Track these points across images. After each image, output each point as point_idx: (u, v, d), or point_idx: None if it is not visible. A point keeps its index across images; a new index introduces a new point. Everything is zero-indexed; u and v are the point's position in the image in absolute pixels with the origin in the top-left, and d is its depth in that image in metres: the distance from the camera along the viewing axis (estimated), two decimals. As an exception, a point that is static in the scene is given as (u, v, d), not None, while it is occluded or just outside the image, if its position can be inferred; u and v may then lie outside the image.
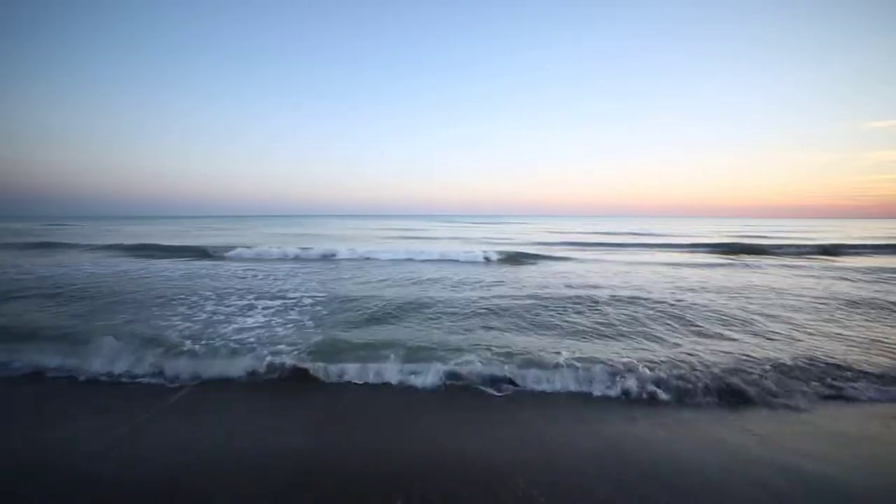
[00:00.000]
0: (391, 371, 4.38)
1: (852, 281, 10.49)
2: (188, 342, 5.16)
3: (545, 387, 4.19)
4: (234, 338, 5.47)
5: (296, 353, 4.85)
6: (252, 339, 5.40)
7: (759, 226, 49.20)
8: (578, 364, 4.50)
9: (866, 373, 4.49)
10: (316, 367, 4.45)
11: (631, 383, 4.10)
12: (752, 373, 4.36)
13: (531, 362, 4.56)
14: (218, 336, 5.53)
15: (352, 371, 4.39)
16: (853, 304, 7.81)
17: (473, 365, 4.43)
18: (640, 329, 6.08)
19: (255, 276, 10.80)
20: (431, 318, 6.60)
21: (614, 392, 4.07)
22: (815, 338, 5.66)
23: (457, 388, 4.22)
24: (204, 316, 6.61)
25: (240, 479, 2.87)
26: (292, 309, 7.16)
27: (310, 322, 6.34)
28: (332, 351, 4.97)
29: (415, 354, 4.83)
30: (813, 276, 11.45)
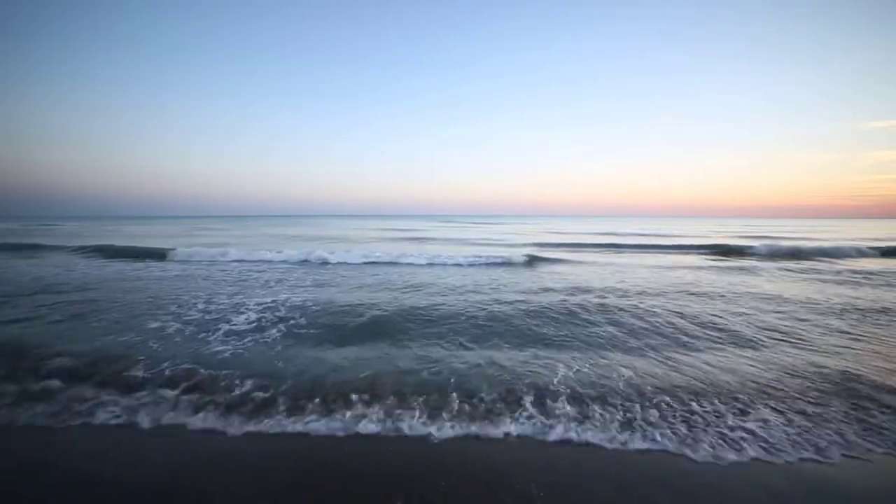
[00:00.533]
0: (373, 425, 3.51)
1: (866, 286, 10.47)
2: (143, 372, 4.40)
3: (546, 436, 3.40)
4: (202, 359, 4.81)
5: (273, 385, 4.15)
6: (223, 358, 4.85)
7: (761, 226, 48.91)
8: (585, 407, 3.77)
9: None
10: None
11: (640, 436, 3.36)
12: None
13: (530, 406, 3.77)
14: (183, 357, 4.84)
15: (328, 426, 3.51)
16: (868, 311, 7.77)
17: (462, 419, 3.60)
18: (656, 342, 5.63)
19: (245, 279, 10.77)
20: (423, 331, 5.98)
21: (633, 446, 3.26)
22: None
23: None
24: (174, 327, 6.00)
25: (240, 479, 2.87)
26: (278, 310, 7.12)
27: (291, 336, 5.71)
28: (309, 386, 4.14)
29: (400, 394, 3.96)
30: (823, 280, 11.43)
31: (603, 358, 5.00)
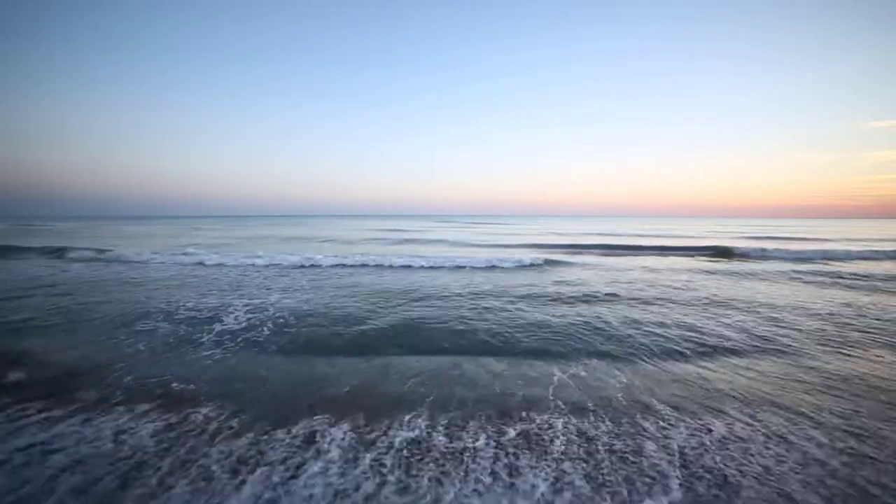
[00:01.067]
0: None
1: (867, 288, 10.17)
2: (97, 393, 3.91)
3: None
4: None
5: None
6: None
7: (762, 226, 48.45)
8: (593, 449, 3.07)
9: None
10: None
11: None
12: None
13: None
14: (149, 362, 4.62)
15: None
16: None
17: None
18: (675, 352, 5.17)
19: (240, 279, 10.45)
20: (417, 339, 5.62)
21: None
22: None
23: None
24: (161, 337, 5.75)
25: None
26: (266, 310, 6.86)
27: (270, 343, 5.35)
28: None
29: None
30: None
31: (601, 367, 4.70)
